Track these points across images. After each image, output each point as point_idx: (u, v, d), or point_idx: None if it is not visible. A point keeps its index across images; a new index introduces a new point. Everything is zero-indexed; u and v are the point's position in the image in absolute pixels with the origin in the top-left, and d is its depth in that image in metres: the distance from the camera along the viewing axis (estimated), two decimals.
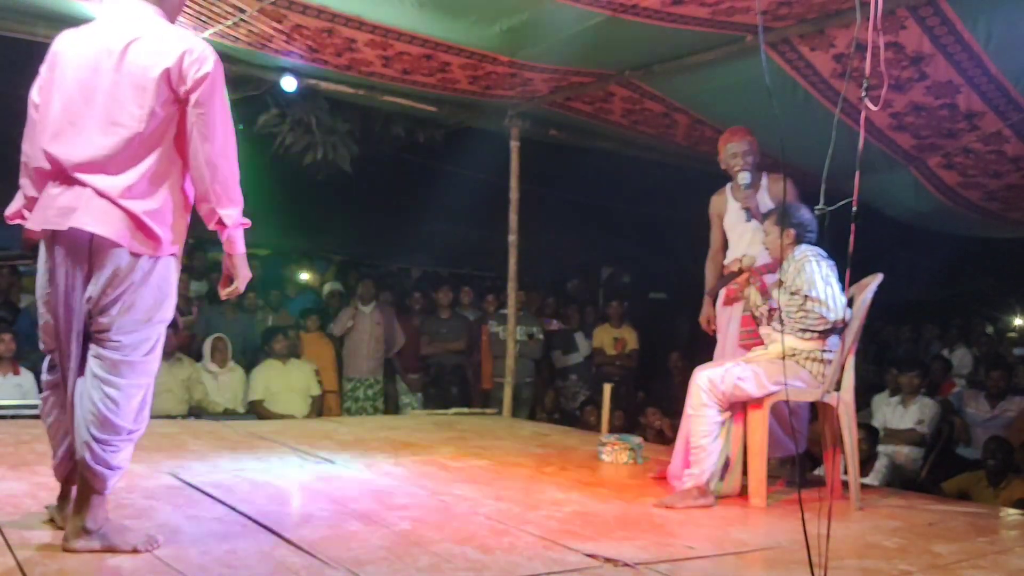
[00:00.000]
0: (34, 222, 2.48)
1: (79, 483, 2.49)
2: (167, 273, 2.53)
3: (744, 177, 4.23)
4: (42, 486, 3.23)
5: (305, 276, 9.47)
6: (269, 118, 6.56)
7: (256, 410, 6.62)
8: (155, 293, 2.49)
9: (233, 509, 3.07)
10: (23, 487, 3.21)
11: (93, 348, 2.48)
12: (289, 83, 5.70)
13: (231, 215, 2.51)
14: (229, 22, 4.67)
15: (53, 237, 2.45)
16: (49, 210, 2.43)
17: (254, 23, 4.70)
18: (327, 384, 7.33)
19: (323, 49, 5.11)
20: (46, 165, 2.48)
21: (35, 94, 2.60)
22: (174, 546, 2.59)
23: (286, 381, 6.83)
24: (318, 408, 7.04)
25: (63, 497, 2.64)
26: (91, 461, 2.43)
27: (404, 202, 8.80)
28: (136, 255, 2.43)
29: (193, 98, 2.46)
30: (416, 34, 4.80)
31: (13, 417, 5.01)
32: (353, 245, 9.71)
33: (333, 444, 4.66)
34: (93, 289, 2.43)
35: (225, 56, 5.26)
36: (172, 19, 2.66)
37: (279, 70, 5.64)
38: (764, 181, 4.30)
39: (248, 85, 5.83)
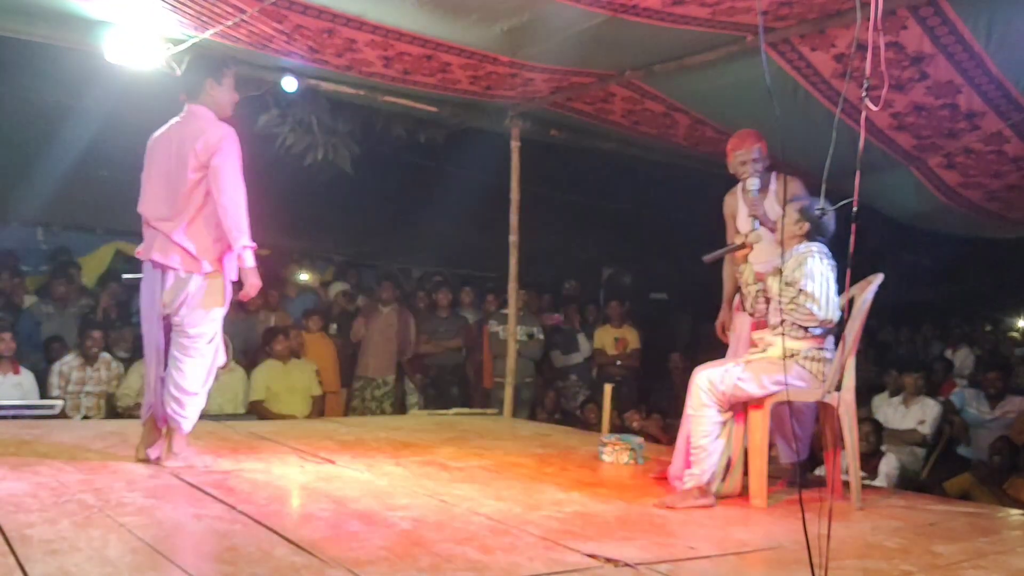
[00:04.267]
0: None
1: (168, 425, 3.77)
2: (212, 285, 3.72)
3: (753, 184, 4.10)
4: (42, 486, 3.24)
5: (305, 276, 9.48)
6: (270, 118, 6.56)
7: (257, 410, 6.62)
8: (204, 298, 3.71)
9: (234, 508, 3.07)
10: (24, 487, 3.21)
11: (174, 338, 3.75)
12: (290, 83, 5.70)
13: (239, 241, 3.63)
14: (230, 22, 4.67)
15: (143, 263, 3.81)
16: (142, 247, 3.81)
17: (255, 23, 4.69)
18: (328, 385, 7.33)
19: (324, 49, 5.11)
20: (141, 219, 3.80)
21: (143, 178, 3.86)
22: (175, 544, 2.59)
23: (287, 381, 6.83)
24: (319, 408, 7.04)
25: (144, 437, 3.84)
26: (172, 412, 3.73)
27: (404, 202, 8.81)
28: (189, 273, 3.68)
29: (211, 163, 3.61)
30: (417, 34, 4.80)
31: (14, 417, 5.01)
32: (353, 245, 9.72)
33: (334, 444, 4.66)
34: (166, 298, 3.71)
35: (225, 56, 5.31)
36: (223, 114, 3.83)
37: (280, 70, 5.64)
38: (773, 185, 4.18)
39: (249, 85, 5.83)
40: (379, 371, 7.62)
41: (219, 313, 3.79)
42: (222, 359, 3.98)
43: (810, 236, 3.73)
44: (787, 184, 4.01)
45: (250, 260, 3.66)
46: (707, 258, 4.09)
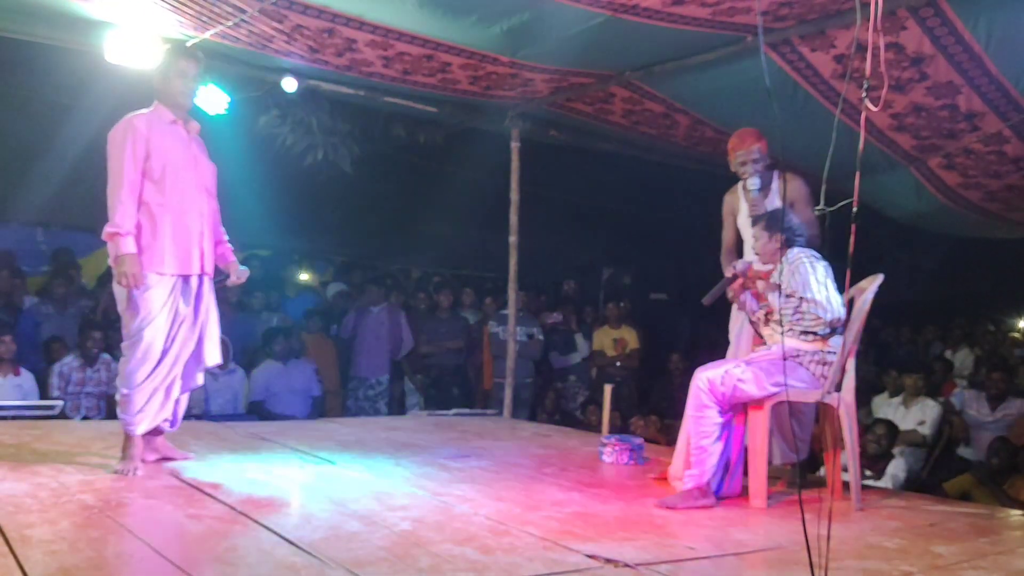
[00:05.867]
0: None
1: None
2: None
3: (753, 183, 4.13)
4: (42, 486, 3.24)
5: (305, 276, 9.48)
6: (270, 119, 6.55)
7: (257, 410, 6.62)
8: (118, 292, 3.67)
9: (233, 509, 3.07)
10: (23, 487, 3.21)
11: None
12: (290, 84, 5.70)
13: (107, 229, 3.58)
14: (230, 23, 4.67)
15: None
16: None
17: (255, 23, 4.70)
18: (328, 384, 7.33)
19: (324, 50, 5.11)
20: None
21: None
22: (175, 544, 2.59)
23: (286, 382, 6.83)
24: (319, 409, 7.04)
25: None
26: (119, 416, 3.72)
27: (404, 202, 8.81)
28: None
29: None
30: (417, 34, 4.80)
31: (14, 418, 5.01)
32: (353, 245, 9.73)
33: (334, 444, 4.65)
34: None
35: (225, 57, 5.33)
36: (176, 101, 3.77)
37: (280, 70, 5.64)
38: (775, 184, 4.18)
39: (249, 86, 5.83)
40: (372, 371, 7.62)
41: (137, 306, 3.58)
42: (216, 359, 3.92)
43: (788, 242, 3.74)
44: (788, 182, 4.02)
45: (122, 247, 3.52)
46: (706, 300, 4.13)
